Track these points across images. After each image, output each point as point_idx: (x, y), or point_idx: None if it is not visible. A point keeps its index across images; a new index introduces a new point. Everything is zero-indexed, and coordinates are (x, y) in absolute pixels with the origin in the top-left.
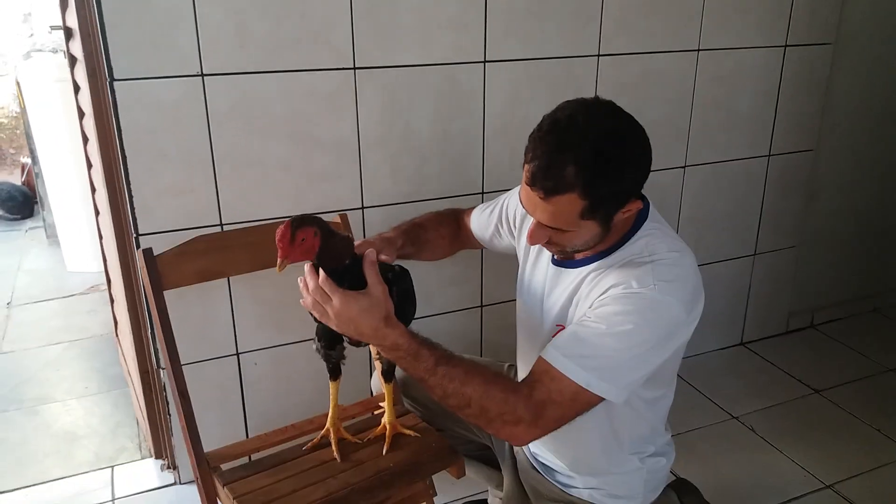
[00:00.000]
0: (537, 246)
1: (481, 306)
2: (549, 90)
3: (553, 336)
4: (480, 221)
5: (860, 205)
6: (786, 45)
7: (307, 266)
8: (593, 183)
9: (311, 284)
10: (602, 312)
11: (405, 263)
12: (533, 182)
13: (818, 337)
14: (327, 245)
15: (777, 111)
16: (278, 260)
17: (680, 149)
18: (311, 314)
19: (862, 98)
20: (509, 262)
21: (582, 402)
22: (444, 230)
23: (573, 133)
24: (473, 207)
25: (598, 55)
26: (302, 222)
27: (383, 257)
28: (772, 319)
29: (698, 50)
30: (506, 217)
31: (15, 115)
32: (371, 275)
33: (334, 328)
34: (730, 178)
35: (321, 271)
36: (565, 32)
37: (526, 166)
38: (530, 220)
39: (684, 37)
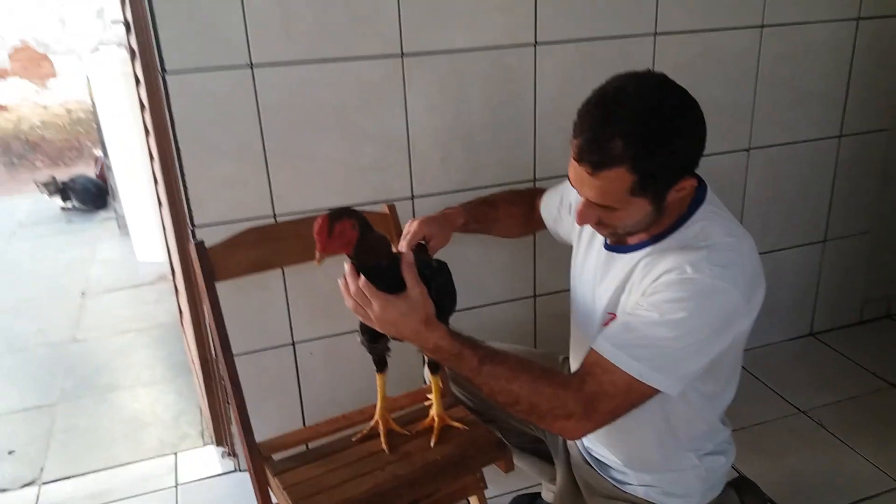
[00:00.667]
0: (590, 231)
1: (534, 296)
2: (602, 72)
3: (604, 325)
4: (547, 205)
5: None
6: (859, 18)
7: (347, 267)
8: (642, 156)
9: (351, 288)
10: (655, 300)
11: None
12: (580, 157)
13: (894, 327)
14: (365, 239)
15: (849, 89)
16: (316, 253)
17: (744, 130)
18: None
19: None
20: (562, 251)
21: (636, 393)
22: (516, 209)
23: (621, 105)
24: (549, 188)
25: (655, 34)
26: (340, 215)
27: (428, 234)
28: (844, 308)
29: (762, 26)
30: (567, 202)
31: (92, 109)
32: (409, 277)
33: (378, 329)
34: (798, 160)
35: (360, 275)
36: (619, 9)
37: (573, 141)
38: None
39: (747, 12)
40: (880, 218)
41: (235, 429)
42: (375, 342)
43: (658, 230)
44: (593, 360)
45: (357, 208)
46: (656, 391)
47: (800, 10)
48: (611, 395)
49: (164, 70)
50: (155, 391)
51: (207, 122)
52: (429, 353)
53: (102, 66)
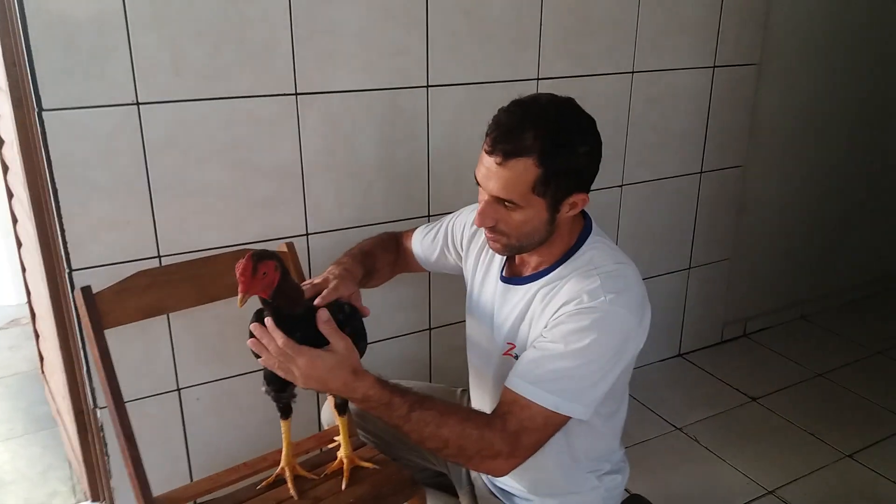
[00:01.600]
0: (485, 264)
1: (429, 329)
2: (491, 113)
3: (504, 354)
4: (424, 244)
5: (787, 217)
6: (714, 66)
7: (267, 322)
8: (548, 152)
9: (271, 347)
10: (558, 332)
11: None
12: (493, 146)
13: (751, 345)
14: (285, 282)
15: (707, 129)
16: (239, 294)
17: (618, 168)
18: (252, 352)
19: (786, 115)
20: (457, 284)
21: (552, 425)
22: (389, 256)
23: (535, 107)
24: (412, 230)
25: (538, 79)
26: (262, 256)
27: (346, 294)
28: (707, 330)
29: (633, 72)
30: (451, 238)
31: None
32: (330, 333)
33: (300, 386)
34: (665, 195)
35: (270, 323)
36: (505, 57)
37: (487, 138)
38: (477, 239)
39: (619, 59)
40: (737, 246)
41: (116, 482)
42: (282, 391)
43: (550, 261)
44: (510, 399)
45: (250, 246)
46: (569, 418)
47: (664, 59)
48: (531, 430)
49: (40, 108)
50: (15, 445)
51: (88, 161)
52: (357, 402)
53: None
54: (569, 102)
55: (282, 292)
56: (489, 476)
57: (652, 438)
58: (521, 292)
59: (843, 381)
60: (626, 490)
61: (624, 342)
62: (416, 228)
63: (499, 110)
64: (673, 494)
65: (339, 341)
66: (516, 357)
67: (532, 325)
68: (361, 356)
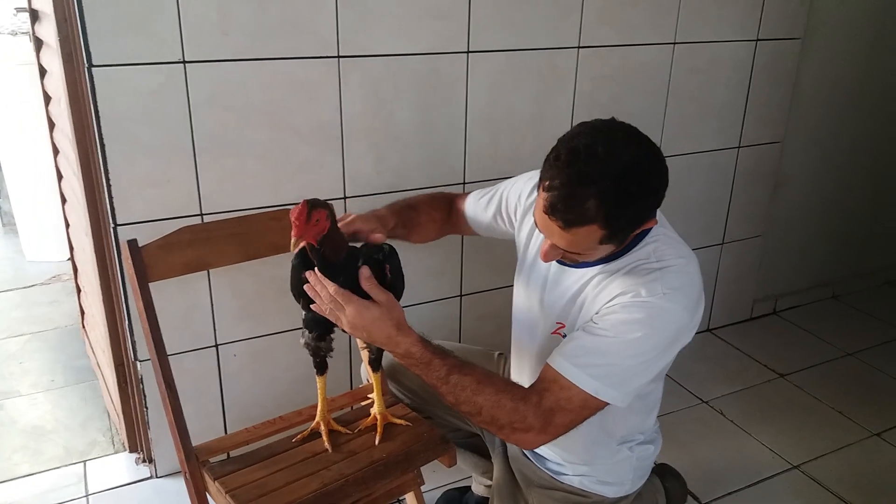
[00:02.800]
0: (540, 239)
1: (461, 296)
2: (530, 81)
3: (553, 332)
4: (478, 208)
5: (822, 195)
6: (757, 40)
7: (316, 272)
8: (614, 215)
9: (323, 294)
10: (611, 321)
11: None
12: (552, 212)
13: (781, 323)
14: (334, 231)
15: (748, 104)
16: (293, 238)
17: (655, 139)
18: (300, 303)
19: (827, 91)
20: (489, 252)
21: (590, 408)
22: (436, 214)
23: (593, 165)
24: (468, 193)
25: (579, 47)
26: (316, 204)
27: (377, 236)
28: (737, 306)
29: (675, 43)
30: (505, 206)
31: None
32: (371, 288)
33: (347, 331)
34: (702, 168)
35: (318, 273)
36: (547, 23)
37: (543, 194)
38: (532, 212)
39: (662, 29)
40: (771, 222)
41: (153, 434)
42: (322, 340)
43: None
44: (551, 377)
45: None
46: (607, 404)
47: (708, 30)
48: (567, 410)
49: (90, 63)
50: (56, 397)
51: (135, 117)
52: (399, 357)
53: None
54: (629, 142)
55: (329, 240)
56: None
57: (678, 410)
58: (577, 276)
59: (874, 361)
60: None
61: (675, 339)
62: (472, 192)
63: (552, 161)
64: (698, 465)
65: (381, 295)
66: (564, 336)
67: (583, 308)
68: (399, 297)
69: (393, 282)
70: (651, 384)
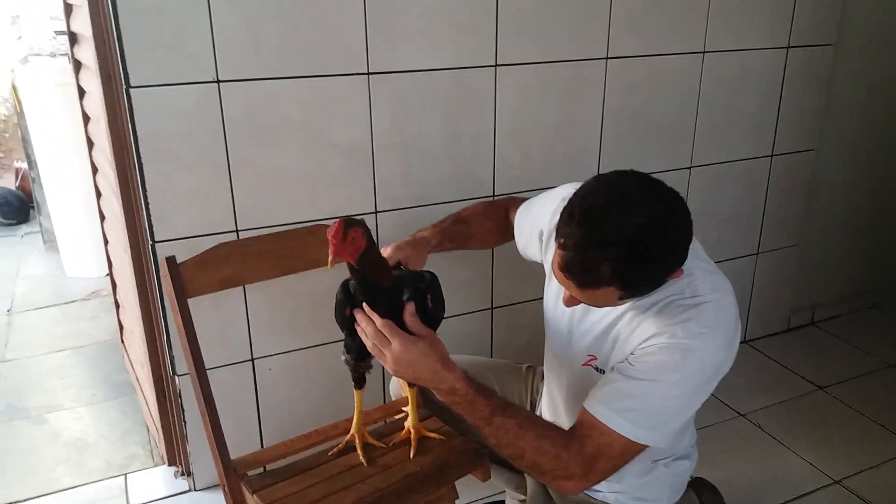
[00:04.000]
0: None
1: (492, 308)
2: (559, 92)
3: (584, 364)
4: (521, 223)
5: (859, 203)
6: (788, 47)
7: (365, 306)
8: (630, 278)
9: (369, 329)
10: (647, 363)
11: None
12: (568, 272)
13: (819, 334)
14: (371, 250)
15: (780, 112)
16: (329, 256)
17: (686, 149)
18: (337, 321)
19: (862, 98)
20: (519, 263)
21: (631, 452)
22: (490, 223)
23: (606, 228)
24: (524, 200)
25: (607, 58)
26: (352, 222)
27: (401, 257)
28: (774, 317)
29: (704, 52)
30: (537, 223)
31: (3, 118)
32: (416, 326)
33: (390, 371)
34: (734, 178)
35: (367, 308)
36: (575, 35)
37: (558, 251)
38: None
39: (690, 39)
40: (807, 231)
41: (192, 447)
42: (361, 360)
43: None
44: (590, 423)
45: (323, 222)
46: (647, 446)
47: (737, 38)
48: (608, 457)
49: (128, 84)
50: (96, 411)
51: (171, 136)
52: (443, 395)
53: (34, 76)
54: (644, 198)
55: (368, 259)
56: None
57: (714, 424)
58: (606, 310)
59: None
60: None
61: (713, 376)
62: (528, 200)
63: (566, 219)
64: (736, 480)
65: (425, 331)
66: (596, 369)
67: (617, 345)
68: (439, 324)
69: (434, 311)
70: None
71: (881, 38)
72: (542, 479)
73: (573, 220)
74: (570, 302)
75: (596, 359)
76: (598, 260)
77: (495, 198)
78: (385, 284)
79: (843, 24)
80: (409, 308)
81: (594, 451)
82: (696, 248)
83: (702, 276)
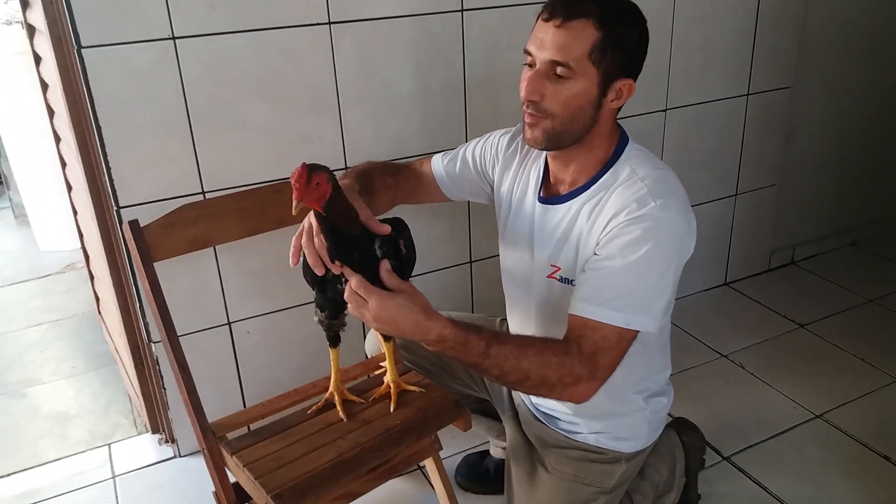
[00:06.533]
0: (520, 187)
1: (470, 262)
2: (526, 36)
3: (548, 276)
4: (449, 169)
5: (836, 141)
6: None
7: (344, 268)
8: (610, 15)
9: (346, 290)
10: (612, 247)
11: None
12: (552, 13)
13: (800, 273)
14: (337, 196)
15: (754, 50)
16: (293, 202)
17: (661, 92)
18: (307, 279)
19: (837, 35)
20: (495, 217)
21: (626, 339)
22: (390, 180)
23: None
24: (429, 156)
25: None
26: (315, 167)
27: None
28: (754, 258)
29: None
30: (482, 164)
31: None
32: (393, 281)
33: (372, 327)
34: (710, 119)
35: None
36: None
37: (543, 11)
38: (510, 163)
39: None
40: (785, 171)
41: (173, 414)
42: (334, 318)
43: (589, 174)
44: (580, 324)
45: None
46: (639, 331)
47: None
48: (606, 349)
49: (79, 45)
50: (77, 382)
51: (129, 98)
52: (432, 344)
53: None
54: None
55: (335, 207)
56: (532, 399)
57: (697, 366)
58: (562, 211)
59: (895, 306)
60: (669, 415)
61: (678, 246)
62: (435, 154)
63: None
64: (719, 419)
65: (402, 284)
66: (560, 280)
67: (581, 245)
68: (412, 268)
69: (409, 255)
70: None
71: None
72: (553, 394)
73: None
74: (533, 83)
75: (559, 269)
76: None
77: None
78: (354, 231)
79: None
80: (385, 265)
81: (592, 348)
82: (637, 144)
83: (644, 159)
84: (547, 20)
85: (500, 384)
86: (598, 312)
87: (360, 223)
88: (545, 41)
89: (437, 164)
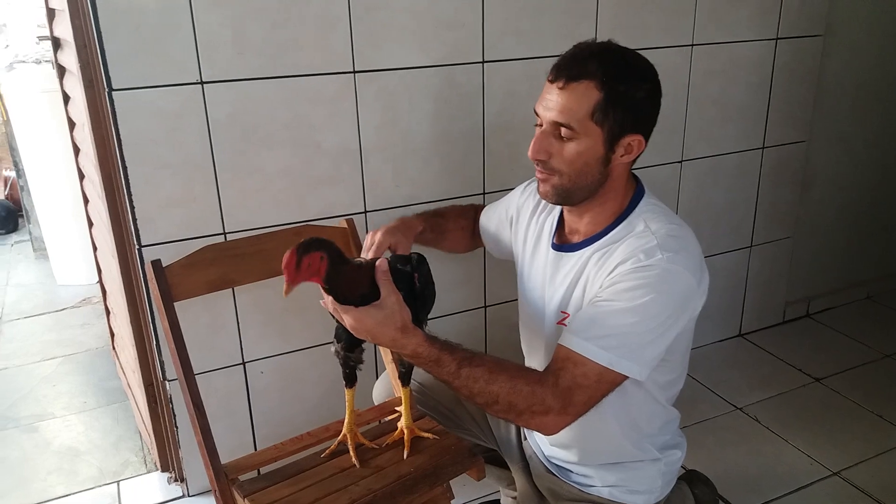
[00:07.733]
0: (535, 236)
1: (485, 307)
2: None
3: (558, 323)
4: (489, 217)
5: (851, 194)
6: (777, 38)
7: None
8: (613, 77)
9: (328, 305)
10: (614, 290)
11: (428, 253)
12: (557, 74)
13: (814, 326)
14: (337, 271)
15: (770, 104)
16: (284, 285)
17: (677, 143)
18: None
19: (852, 89)
20: (511, 264)
21: (607, 382)
22: (464, 222)
23: (599, 44)
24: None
25: None
26: (308, 248)
27: (399, 251)
28: (769, 310)
29: (692, 45)
30: (506, 212)
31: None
32: (384, 284)
33: (354, 334)
34: (725, 171)
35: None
36: (561, 30)
37: (551, 72)
38: (527, 209)
39: (678, 31)
40: (799, 224)
41: (184, 453)
42: (351, 351)
43: (602, 224)
44: (564, 356)
45: (311, 223)
46: (625, 378)
47: (725, 31)
48: (584, 387)
49: (110, 87)
50: (88, 418)
51: (156, 139)
52: (407, 358)
53: (20, 83)
54: (631, 49)
55: (335, 278)
56: (544, 451)
57: (711, 418)
58: (574, 259)
59: None
60: (682, 466)
61: (683, 302)
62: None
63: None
64: (733, 473)
65: (390, 295)
66: None
67: (586, 289)
68: (432, 304)
69: (423, 290)
70: (671, 371)
71: (869, 29)
72: (520, 420)
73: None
74: (538, 144)
75: (568, 315)
76: (587, 58)
77: (484, 197)
78: (362, 292)
79: (832, 14)
80: (381, 265)
81: (570, 382)
82: (654, 197)
83: (659, 214)
84: (552, 82)
85: (471, 404)
86: (585, 347)
87: (367, 284)
88: (550, 103)
89: (484, 214)
